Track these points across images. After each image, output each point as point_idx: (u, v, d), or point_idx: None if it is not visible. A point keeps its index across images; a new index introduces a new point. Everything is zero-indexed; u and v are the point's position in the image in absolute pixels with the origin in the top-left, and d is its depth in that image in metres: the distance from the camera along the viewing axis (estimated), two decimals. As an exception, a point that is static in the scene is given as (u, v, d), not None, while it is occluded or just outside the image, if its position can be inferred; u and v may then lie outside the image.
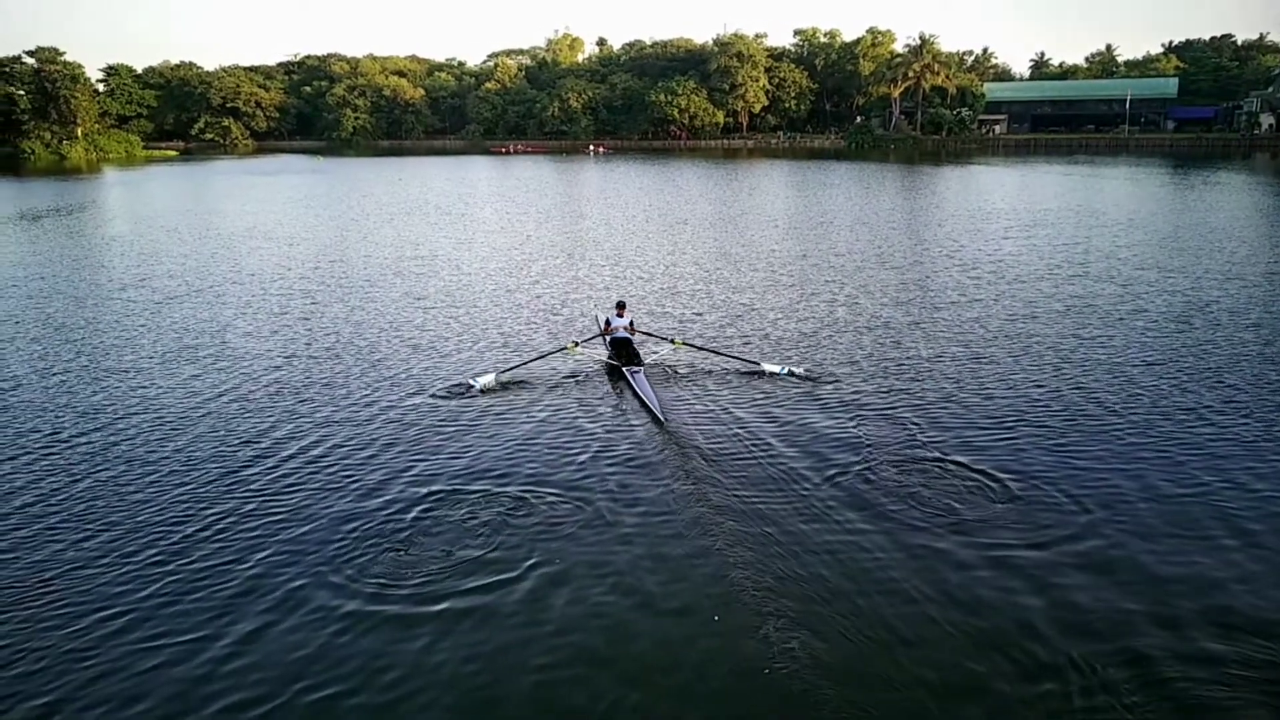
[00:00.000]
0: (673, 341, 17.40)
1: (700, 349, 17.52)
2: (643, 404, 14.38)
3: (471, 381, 15.68)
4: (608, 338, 17.07)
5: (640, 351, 16.57)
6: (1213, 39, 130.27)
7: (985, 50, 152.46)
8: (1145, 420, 13.53)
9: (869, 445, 12.65)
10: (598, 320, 18.91)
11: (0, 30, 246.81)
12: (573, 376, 16.43)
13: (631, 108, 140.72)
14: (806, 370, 16.36)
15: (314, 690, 7.56)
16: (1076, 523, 10.27)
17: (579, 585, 9.11)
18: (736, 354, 17.42)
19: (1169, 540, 9.89)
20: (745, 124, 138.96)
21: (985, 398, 14.70)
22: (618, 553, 9.79)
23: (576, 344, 17.16)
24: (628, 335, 16.88)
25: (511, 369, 16.45)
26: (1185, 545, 9.78)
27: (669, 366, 16.81)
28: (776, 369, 16.21)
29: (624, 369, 15.61)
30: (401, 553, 9.69)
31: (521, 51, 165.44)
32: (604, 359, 16.79)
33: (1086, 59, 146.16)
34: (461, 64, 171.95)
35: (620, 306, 17.40)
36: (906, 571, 9.33)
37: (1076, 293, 22.95)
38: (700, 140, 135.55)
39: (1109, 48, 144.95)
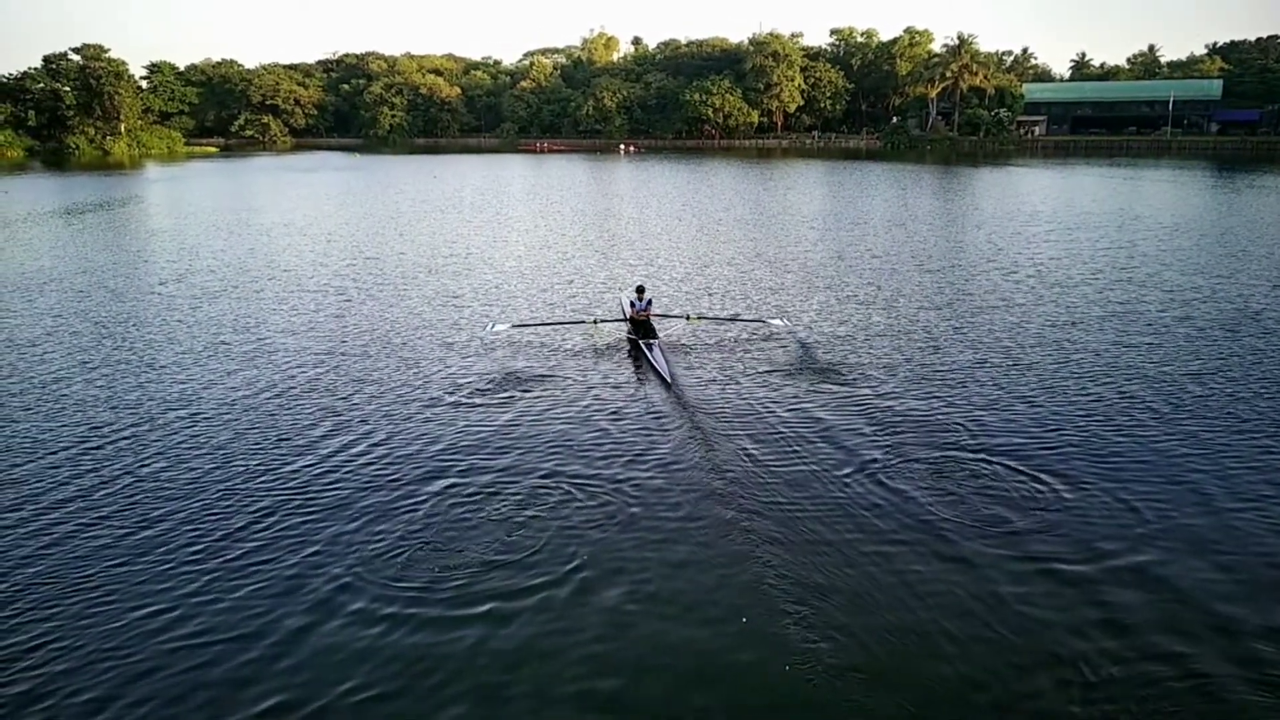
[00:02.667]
0: (687, 318, 19.96)
1: (713, 319, 20.19)
2: (656, 372, 16.11)
3: (495, 330, 18.75)
4: (629, 320, 18.87)
5: (657, 327, 18.49)
6: (1259, 40, 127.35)
7: (1025, 50, 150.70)
8: (1193, 430, 13.21)
9: (899, 442, 12.50)
10: (621, 303, 20.51)
11: (47, 27, 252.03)
12: (597, 351, 18.14)
13: (666, 107, 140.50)
14: (794, 324, 19.56)
15: (352, 689, 7.58)
16: (1119, 533, 10.05)
17: (603, 577, 9.23)
18: (745, 317, 20.28)
19: (1217, 551, 9.67)
20: (780, 124, 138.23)
21: (1026, 403, 14.43)
22: (635, 534, 10.16)
23: (597, 321, 19.60)
24: (646, 315, 18.50)
25: (528, 325, 19.66)
26: (1234, 556, 9.56)
27: (681, 340, 18.70)
28: (778, 323, 19.38)
29: (641, 342, 17.59)
30: (434, 548, 9.72)
31: (557, 51, 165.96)
32: (625, 335, 18.85)
33: (1128, 60, 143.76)
34: (497, 63, 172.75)
35: (640, 290, 18.93)
36: (931, 568, 9.31)
37: (1120, 299, 22.50)
38: (734, 140, 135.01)
39: (1152, 49, 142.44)
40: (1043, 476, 11.53)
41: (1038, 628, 8.32)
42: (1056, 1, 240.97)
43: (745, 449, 12.62)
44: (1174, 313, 20.81)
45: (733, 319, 20.10)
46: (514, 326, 19.30)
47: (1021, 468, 11.81)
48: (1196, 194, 54.43)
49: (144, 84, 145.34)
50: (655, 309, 19.24)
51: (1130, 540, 9.92)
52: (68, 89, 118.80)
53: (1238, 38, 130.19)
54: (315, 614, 8.60)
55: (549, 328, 19.68)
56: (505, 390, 15.52)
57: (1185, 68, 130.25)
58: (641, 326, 18.28)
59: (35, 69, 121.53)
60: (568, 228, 40.18)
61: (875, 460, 12.19)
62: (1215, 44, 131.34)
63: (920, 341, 18.55)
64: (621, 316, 19.55)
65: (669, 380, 15.54)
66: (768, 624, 8.41)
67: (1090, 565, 9.38)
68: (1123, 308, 21.41)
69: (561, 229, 39.68)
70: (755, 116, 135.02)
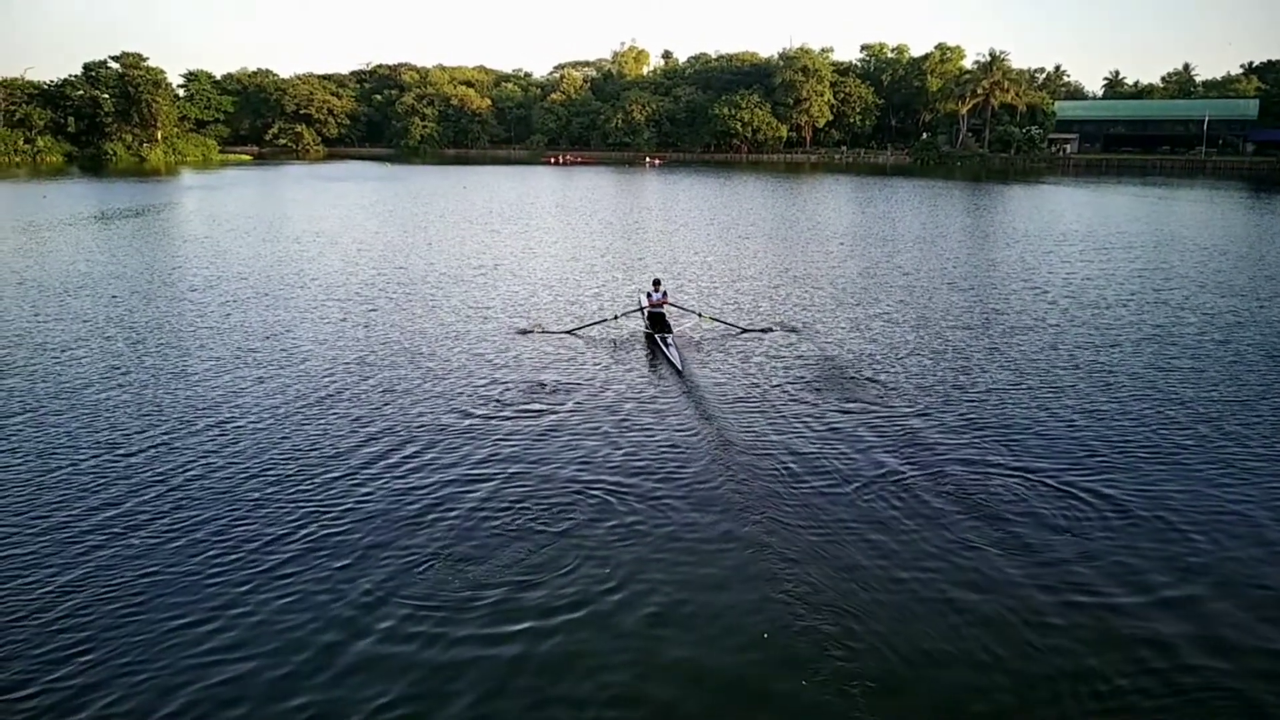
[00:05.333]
0: (699, 315, 21.63)
1: (722, 322, 21.51)
2: (669, 363, 17.57)
3: (527, 327, 20.67)
4: (646, 311, 20.40)
5: (671, 323, 19.91)
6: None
7: (1057, 68, 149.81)
8: (1236, 456, 12.88)
9: (927, 458, 12.30)
10: (639, 298, 21.95)
11: (88, 36, 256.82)
12: (618, 350, 19.31)
13: (694, 120, 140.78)
14: (797, 325, 21.30)
15: (382, 705, 7.50)
16: (1160, 557, 9.82)
17: (623, 590, 9.22)
18: (753, 328, 21.13)
19: (1263, 578, 9.42)
20: (809, 138, 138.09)
21: (1063, 425, 14.12)
22: (656, 545, 10.21)
23: (617, 316, 21.44)
24: (662, 309, 20.12)
25: (560, 331, 20.74)
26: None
27: (693, 335, 20.29)
28: (775, 329, 20.84)
29: (657, 336, 19.02)
30: (460, 560, 9.66)
31: (587, 64, 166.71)
32: (642, 329, 20.34)
33: (1163, 79, 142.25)
34: (528, 75, 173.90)
35: (656, 284, 20.84)
36: (959, 586, 9.22)
37: (1158, 321, 22.09)
38: (762, 154, 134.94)
39: (1186, 67, 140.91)
40: (1079, 500, 11.26)
41: (1072, 653, 8.12)
42: (1090, 19, 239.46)
43: (766, 458, 12.59)
44: (1213, 336, 20.40)
45: (743, 329, 20.98)
46: (545, 331, 20.73)
47: (1057, 489, 11.55)
48: (1232, 215, 53.67)
49: (181, 92, 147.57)
50: (670, 304, 21.07)
51: (1172, 566, 9.66)
52: (106, 96, 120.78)
53: (1274, 57, 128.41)
54: (346, 629, 8.51)
55: (580, 330, 20.99)
56: (531, 396, 15.71)
57: (1220, 87, 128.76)
58: (658, 321, 19.75)
59: (75, 76, 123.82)
60: (595, 240, 40.23)
61: (901, 475, 12.08)
62: (1251, 63, 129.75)
63: (950, 359, 18.30)
64: (640, 306, 21.20)
65: (680, 369, 17.07)
66: (788, 639, 8.34)
67: (1130, 590, 9.15)
68: (1159, 331, 21.02)
69: (590, 241, 39.73)
70: (784, 131, 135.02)
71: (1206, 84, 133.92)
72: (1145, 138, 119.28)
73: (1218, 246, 37.01)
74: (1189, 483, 12.00)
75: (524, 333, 20.62)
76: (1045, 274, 29.70)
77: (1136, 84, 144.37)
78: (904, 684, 7.78)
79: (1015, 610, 8.83)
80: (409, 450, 13.05)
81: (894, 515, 10.91)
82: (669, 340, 18.55)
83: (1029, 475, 12.13)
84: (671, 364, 17.49)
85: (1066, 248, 36.57)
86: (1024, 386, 16.44)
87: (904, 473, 12.21)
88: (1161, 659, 8.12)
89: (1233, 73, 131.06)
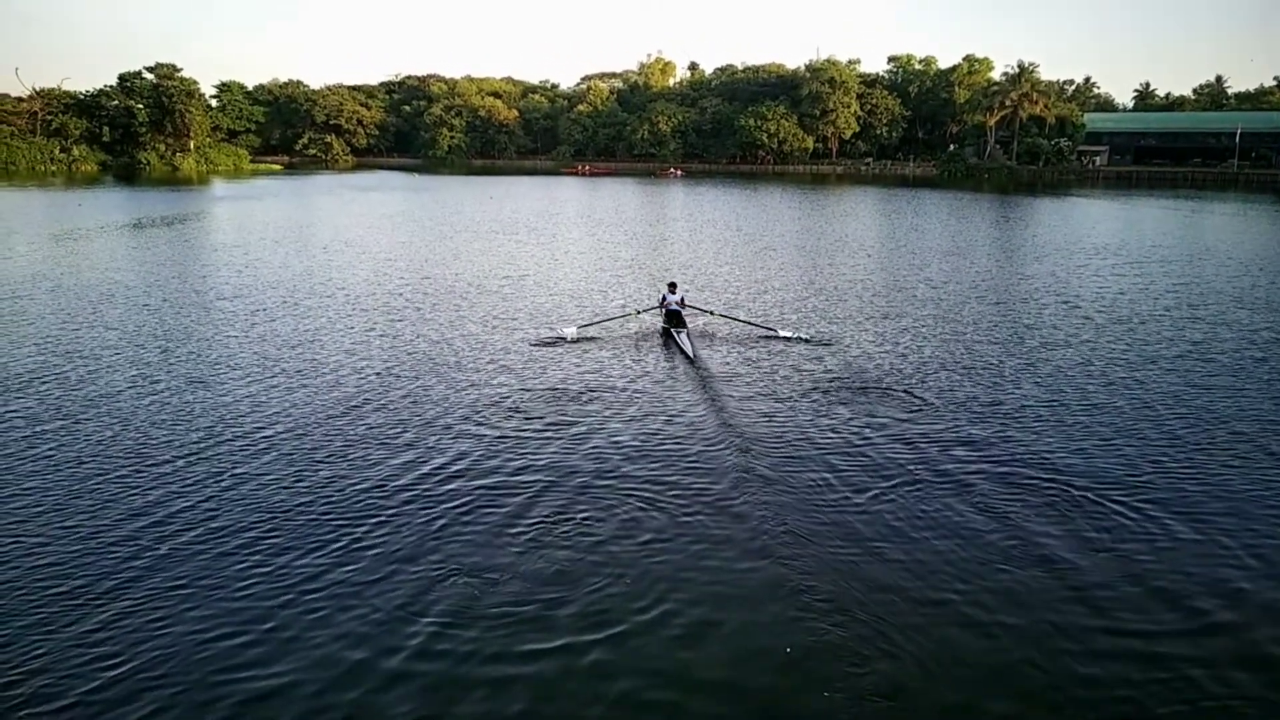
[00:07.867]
0: (711, 313, 23.12)
1: (733, 319, 22.94)
2: (683, 353, 19.31)
3: (562, 332, 21.41)
4: (664, 310, 22.07)
5: (686, 320, 21.46)
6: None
7: (1087, 79, 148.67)
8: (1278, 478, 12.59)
9: (955, 469, 12.08)
10: (657, 299, 23.58)
11: (123, 47, 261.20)
12: (639, 346, 20.56)
13: (720, 132, 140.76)
14: (812, 334, 21.58)
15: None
16: (1207, 577, 9.54)
17: (645, 604, 9.11)
18: (759, 322, 22.73)
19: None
20: (835, 150, 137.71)
21: (1098, 444, 13.80)
22: (676, 554, 10.17)
23: (638, 312, 23.04)
24: (678, 308, 21.75)
25: (591, 324, 22.36)
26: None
27: (706, 331, 21.89)
28: (789, 334, 21.34)
29: (672, 330, 20.78)
30: (480, 575, 9.54)
31: (614, 75, 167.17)
32: (659, 325, 22.01)
33: (1194, 90, 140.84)
34: (555, 86, 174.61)
35: (672, 286, 22.60)
36: (986, 598, 9.13)
37: (1194, 338, 21.63)
38: (788, 165, 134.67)
39: (1219, 79, 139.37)
40: (1116, 519, 10.99)
41: (1109, 675, 7.91)
42: (1120, 31, 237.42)
43: (792, 469, 12.53)
44: (1252, 354, 19.96)
45: (747, 323, 22.55)
46: (579, 328, 21.76)
47: (1092, 507, 11.28)
48: (1266, 229, 52.86)
49: (213, 102, 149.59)
50: (686, 305, 22.54)
51: (1213, 588, 9.40)
52: (141, 106, 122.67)
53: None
54: (374, 643, 8.45)
55: (605, 324, 22.53)
56: (555, 404, 15.82)
57: (1253, 99, 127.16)
58: (674, 318, 21.35)
59: (111, 86, 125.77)
60: (620, 250, 40.23)
61: (931, 489, 11.92)
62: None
63: (981, 374, 18.02)
64: (657, 306, 22.74)
65: (692, 357, 18.81)
66: (813, 654, 8.25)
67: (1170, 611, 8.93)
68: (1196, 347, 20.57)
69: (614, 251, 39.74)
70: (810, 142, 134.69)
71: (1239, 96, 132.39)
72: (1176, 150, 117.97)
73: (1253, 261, 36.40)
74: (1230, 503, 11.70)
75: (546, 343, 20.74)
76: (1076, 288, 29.32)
77: (1168, 96, 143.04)
78: (930, 702, 7.63)
79: (1050, 630, 8.64)
80: (436, 461, 13.02)
81: (923, 531, 10.74)
82: (684, 335, 20.22)
83: (1063, 493, 11.89)
84: (685, 355, 19.13)
85: (1098, 261, 36.11)
86: (1058, 403, 16.16)
87: (934, 487, 12.02)
88: (1201, 679, 7.92)
89: (1266, 85, 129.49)
